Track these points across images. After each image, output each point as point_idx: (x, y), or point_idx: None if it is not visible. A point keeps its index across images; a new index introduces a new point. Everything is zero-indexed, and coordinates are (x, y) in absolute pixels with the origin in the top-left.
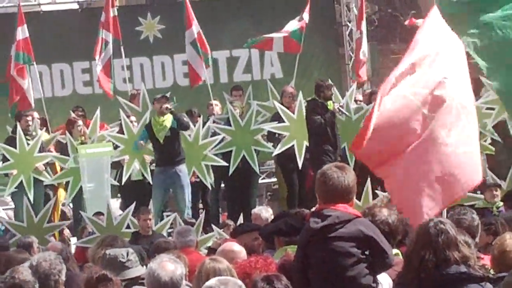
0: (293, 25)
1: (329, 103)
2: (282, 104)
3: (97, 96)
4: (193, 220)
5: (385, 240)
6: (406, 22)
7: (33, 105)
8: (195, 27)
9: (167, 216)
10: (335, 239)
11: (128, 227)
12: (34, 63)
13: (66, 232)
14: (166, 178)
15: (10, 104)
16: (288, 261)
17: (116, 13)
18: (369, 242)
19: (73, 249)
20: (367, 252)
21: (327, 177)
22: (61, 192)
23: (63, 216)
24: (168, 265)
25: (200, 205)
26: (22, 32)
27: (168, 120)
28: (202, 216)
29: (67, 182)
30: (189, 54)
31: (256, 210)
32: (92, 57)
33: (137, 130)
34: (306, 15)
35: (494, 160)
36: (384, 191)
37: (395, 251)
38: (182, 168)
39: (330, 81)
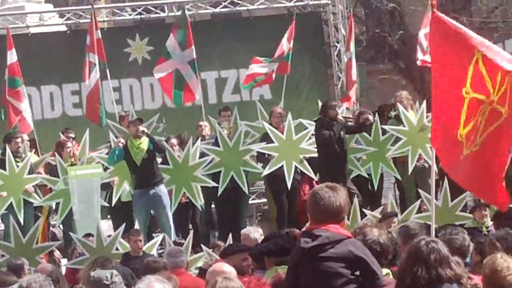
0: (286, 47)
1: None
2: (270, 124)
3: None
4: (182, 241)
5: (375, 261)
6: (419, 63)
7: (32, 127)
8: (193, 48)
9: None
10: (325, 259)
11: (117, 248)
12: (23, 85)
13: (57, 253)
14: (147, 200)
15: (10, 127)
16: (280, 281)
17: (100, 36)
18: (359, 262)
19: (63, 270)
20: (357, 273)
21: (318, 197)
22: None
23: (54, 238)
24: (156, 286)
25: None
26: (12, 56)
27: (144, 142)
28: (190, 236)
29: (57, 204)
30: (186, 73)
31: (245, 230)
32: (82, 79)
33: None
34: (290, 43)
35: None
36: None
37: (385, 271)
38: (162, 189)
39: (335, 102)
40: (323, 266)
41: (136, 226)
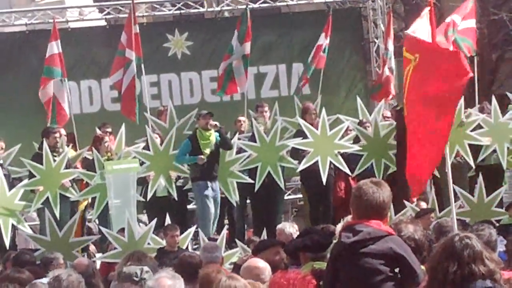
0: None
1: None
2: (305, 120)
3: None
4: (217, 236)
5: (415, 258)
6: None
7: (69, 118)
8: (249, 43)
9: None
10: (365, 255)
11: (148, 243)
12: (66, 79)
13: (92, 248)
14: (212, 190)
15: (49, 117)
16: (315, 274)
17: (138, 30)
18: (399, 260)
19: (98, 264)
20: (396, 270)
21: (362, 192)
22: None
23: (89, 232)
24: (165, 281)
25: (226, 221)
26: (52, 48)
27: (213, 135)
28: (224, 231)
29: (93, 198)
30: (238, 67)
31: (281, 225)
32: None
33: (164, 146)
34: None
35: None
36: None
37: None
38: (217, 184)
39: None
40: (363, 261)
41: (167, 220)
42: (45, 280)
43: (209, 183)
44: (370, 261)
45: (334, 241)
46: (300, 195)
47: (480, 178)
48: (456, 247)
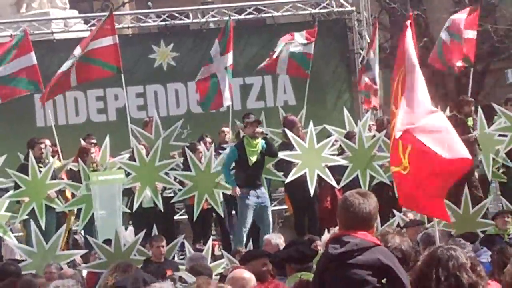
0: (295, 47)
1: (469, 119)
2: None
3: (110, 123)
4: (203, 247)
5: (402, 270)
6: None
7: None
8: (231, 54)
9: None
10: (352, 266)
11: (135, 255)
12: (43, 89)
13: (78, 258)
14: (256, 199)
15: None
16: (302, 286)
17: (117, 41)
18: (386, 271)
19: (84, 273)
20: (383, 281)
21: (348, 203)
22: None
23: (75, 244)
24: None
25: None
26: (30, 59)
27: (259, 143)
28: (210, 242)
29: (79, 210)
30: (221, 78)
31: (268, 236)
32: (106, 85)
33: (150, 157)
34: (311, 47)
35: (507, 186)
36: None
37: None
38: (264, 191)
39: (469, 98)
40: (350, 273)
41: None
42: None
43: (252, 192)
44: (358, 272)
45: (320, 252)
46: (286, 206)
47: (466, 190)
48: (441, 257)
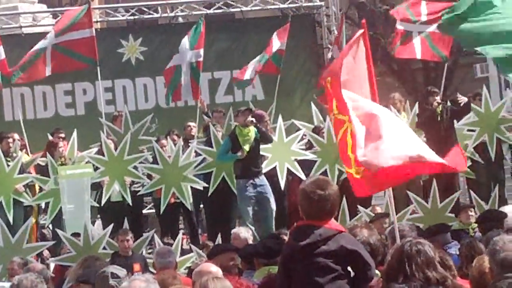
0: (276, 46)
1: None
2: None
3: (78, 118)
4: (171, 241)
5: (367, 253)
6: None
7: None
8: (202, 51)
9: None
10: (317, 256)
11: (104, 248)
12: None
13: (45, 252)
14: (253, 190)
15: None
16: (270, 281)
17: (94, 34)
18: (352, 256)
19: (51, 268)
20: (348, 268)
21: (309, 192)
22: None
23: (43, 238)
24: (137, 283)
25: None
26: None
27: (252, 131)
28: (179, 236)
29: (47, 204)
30: (185, 72)
31: (236, 230)
32: (75, 79)
33: (118, 151)
34: (283, 44)
35: (475, 181)
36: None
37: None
38: (263, 179)
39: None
40: (315, 262)
41: (125, 225)
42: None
43: (250, 181)
44: (323, 261)
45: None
46: None
47: (434, 183)
48: (409, 253)
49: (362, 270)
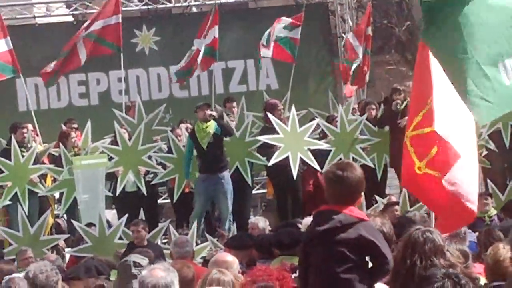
0: (280, 32)
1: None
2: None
3: (92, 108)
4: (187, 231)
5: (386, 244)
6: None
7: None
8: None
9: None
10: (335, 243)
11: (120, 238)
12: (21, 75)
13: (61, 243)
14: (209, 185)
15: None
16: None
17: (120, 20)
18: (369, 246)
19: (67, 258)
20: (366, 258)
21: (328, 172)
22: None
23: (58, 228)
24: (158, 272)
25: None
26: (5, 44)
27: (211, 126)
28: (194, 226)
29: (61, 194)
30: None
31: (254, 220)
32: (88, 69)
33: (132, 141)
34: (298, 31)
35: (490, 169)
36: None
37: None
38: (225, 175)
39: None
40: (333, 249)
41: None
42: (21, 275)
43: (210, 176)
44: (341, 249)
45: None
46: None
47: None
48: (418, 240)
49: (378, 262)
